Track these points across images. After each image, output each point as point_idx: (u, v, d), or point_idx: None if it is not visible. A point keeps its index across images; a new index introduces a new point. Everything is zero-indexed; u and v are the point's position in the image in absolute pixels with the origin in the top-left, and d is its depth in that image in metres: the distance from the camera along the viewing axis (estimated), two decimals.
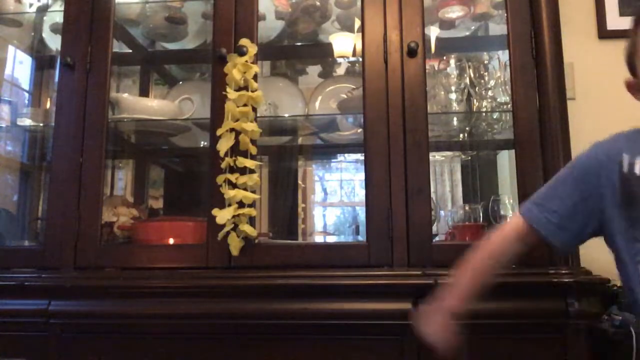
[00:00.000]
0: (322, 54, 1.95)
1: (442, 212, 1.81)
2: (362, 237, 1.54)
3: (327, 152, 2.13)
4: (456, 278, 1.07)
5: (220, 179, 1.40)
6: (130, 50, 1.95)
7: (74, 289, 1.41)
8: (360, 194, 1.71)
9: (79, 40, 1.55)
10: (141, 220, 1.70)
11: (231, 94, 1.41)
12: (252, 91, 1.44)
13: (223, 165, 1.41)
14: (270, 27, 1.83)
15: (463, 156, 1.92)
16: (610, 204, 0.96)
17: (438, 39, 1.71)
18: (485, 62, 1.71)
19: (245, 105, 1.43)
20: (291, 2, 1.87)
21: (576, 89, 1.68)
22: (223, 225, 1.37)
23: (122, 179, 2.08)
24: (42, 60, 2.02)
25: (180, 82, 2.05)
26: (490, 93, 1.65)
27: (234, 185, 1.41)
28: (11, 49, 1.99)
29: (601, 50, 1.71)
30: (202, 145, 1.80)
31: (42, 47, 1.95)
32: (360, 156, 1.59)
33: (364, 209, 1.43)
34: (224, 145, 1.41)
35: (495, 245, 1.06)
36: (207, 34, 1.85)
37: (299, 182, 2.15)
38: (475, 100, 1.66)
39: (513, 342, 1.29)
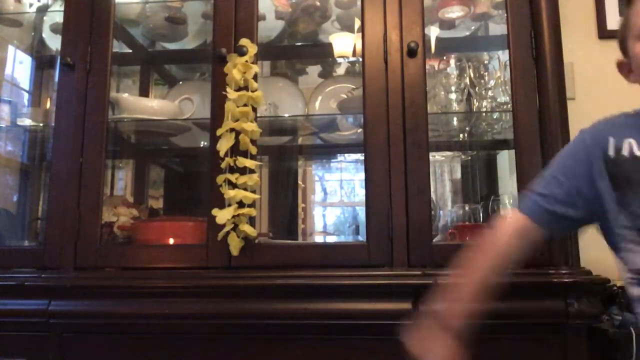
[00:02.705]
0: (322, 54, 1.95)
1: (442, 212, 1.81)
2: (362, 237, 1.54)
3: (327, 152, 2.13)
4: (455, 288, 1.00)
5: (220, 179, 1.40)
6: (130, 50, 1.95)
7: (74, 289, 1.41)
8: (360, 194, 1.71)
9: (79, 40, 1.55)
10: (141, 220, 1.70)
11: (231, 94, 1.41)
12: (252, 91, 1.44)
13: (223, 165, 1.41)
14: (270, 27, 1.83)
15: (463, 156, 1.92)
16: (603, 189, 0.96)
17: (438, 39, 1.70)
18: (485, 62, 1.71)
19: (245, 105, 1.43)
20: (291, 2, 1.87)
21: (576, 89, 1.68)
22: (223, 225, 1.37)
23: (122, 179, 2.08)
24: (42, 60, 2.01)
25: (180, 82, 2.05)
26: (490, 93, 1.65)
27: (234, 185, 1.41)
28: (11, 49, 1.99)
29: (601, 50, 1.71)
30: (202, 145, 1.80)
31: (42, 47, 1.95)
32: (360, 156, 1.59)
33: (364, 209, 1.43)
34: (224, 145, 1.41)
35: (498, 246, 1.02)
36: (207, 34, 1.85)
37: (299, 182, 2.15)
38: (475, 100, 1.66)
39: (513, 342, 1.29)
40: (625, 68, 1.01)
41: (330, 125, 1.82)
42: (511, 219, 1.05)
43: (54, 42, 1.88)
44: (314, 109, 1.84)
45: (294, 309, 1.33)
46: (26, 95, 2.02)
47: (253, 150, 1.43)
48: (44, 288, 1.41)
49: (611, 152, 0.95)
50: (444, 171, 1.98)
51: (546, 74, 1.38)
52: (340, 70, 2.02)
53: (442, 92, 1.66)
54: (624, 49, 1.02)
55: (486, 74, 1.65)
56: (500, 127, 1.68)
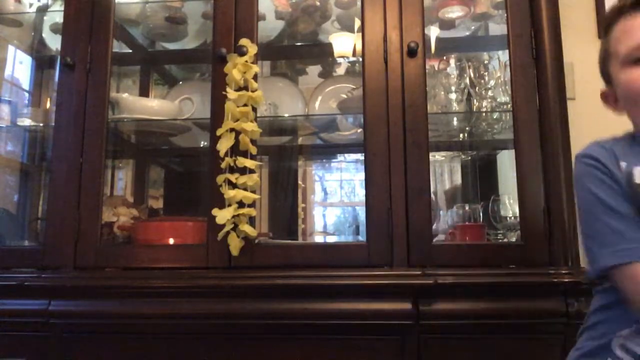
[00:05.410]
0: (322, 54, 1.95)
1: (442, 212, 1.81)
2: (362, 237, 1.54)
3: (327, 152, 2.13)
4: None
5: (220, 179, 1.40)
6: (130, 50, 1.95)
7: (74, 289, 1.41)
8: (360, 194, 1.71)
9: (79, 40, 1.55)
10: (141, 220, 1.70)
11: (231, 94, 1.41)
12: (252, 91, 1.44)
13: (223, 165, 1.41)
14: (270, 27, 1.83)
15: (463, 156, 1.92)
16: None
17: (438, 39, 1.71)
18: (485, 62, 1.71)
19: (245, 105, 1.43)
20: (291, 2, 1.87)
21: (576, 89, 1.68)
22: (223, 225, 1.37)
23: (122, 179, 2.08)
24: (42, 60, 2.02)
25: (180, 82, 2.05)
26: (490, 93, 1.65)
27: (234, 185, 1.41)
28: (11, 49, 1.99)
29: None
30: (202, 145, 1.81)
31: (42, 47, 1.96)
32: (360, 156, 1.59)
33: (364, 209, 1.42)
34: (224, 145, 1.41)
35: None
36: (207, 34, 1.85)
37: (299, 182, 2.15)
38: (475, 100, 1.66)
39: (513, 342, 1.29)
40: (611, 98, 0.96)
41: (330, 125, 1.82)
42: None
43: (54, 42, 1.88)
44: (314, 109, 1.84)
45: (294, 309, 1.33)
46: (26, 95, 2.02)
47: (253, 150, 1.43)
48: (44, 288, 1.41)
49: (636, 178, 0.85)
50: (444, 171, 1.98)
51: (546, 74, 1.38)
52: (340, 70, 2.02)
53: (442, 92, 1.66)
54: (606, 78, 0.96)
55: (486, 74, 1.65)
56: (500, 127, 1.68)
